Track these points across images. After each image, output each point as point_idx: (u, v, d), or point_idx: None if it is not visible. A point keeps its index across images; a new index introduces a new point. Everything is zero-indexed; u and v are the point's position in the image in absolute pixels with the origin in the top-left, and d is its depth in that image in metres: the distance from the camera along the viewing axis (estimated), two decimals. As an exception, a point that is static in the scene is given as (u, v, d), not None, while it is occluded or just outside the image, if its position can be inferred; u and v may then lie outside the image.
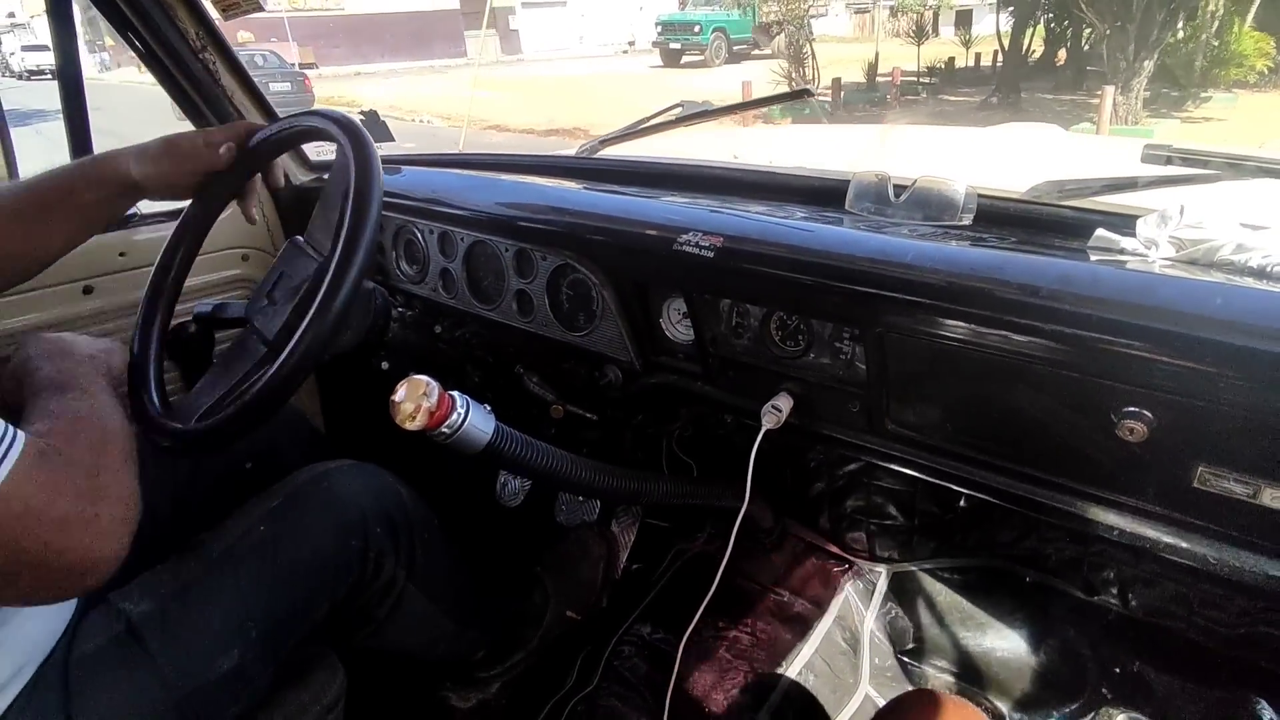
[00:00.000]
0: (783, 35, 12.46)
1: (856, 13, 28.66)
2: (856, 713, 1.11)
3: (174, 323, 1.07)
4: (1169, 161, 0.77)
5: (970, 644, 1.15)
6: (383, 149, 1.50)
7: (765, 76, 12.59)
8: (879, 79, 13.67)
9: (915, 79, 14.52)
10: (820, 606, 1.22)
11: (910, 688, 1.14)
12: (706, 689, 1.14)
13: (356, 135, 0.91)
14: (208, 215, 1.04)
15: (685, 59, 20.28)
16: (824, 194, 1.02)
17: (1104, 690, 1.06)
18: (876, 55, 14.11)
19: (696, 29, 19.56)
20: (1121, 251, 0.78)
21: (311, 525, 0.85)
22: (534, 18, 29.69)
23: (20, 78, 27.03)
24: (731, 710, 1.12)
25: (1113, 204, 0.86)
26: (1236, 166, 0.75)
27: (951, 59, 15.12)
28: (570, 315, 1.10)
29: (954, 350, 0.75)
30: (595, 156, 1.35)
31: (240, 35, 22.73)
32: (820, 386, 0.90)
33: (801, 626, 1.21)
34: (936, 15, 16.69)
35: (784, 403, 0.90)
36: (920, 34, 15.43)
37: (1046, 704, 1.08)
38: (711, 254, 0.85)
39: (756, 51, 20.15)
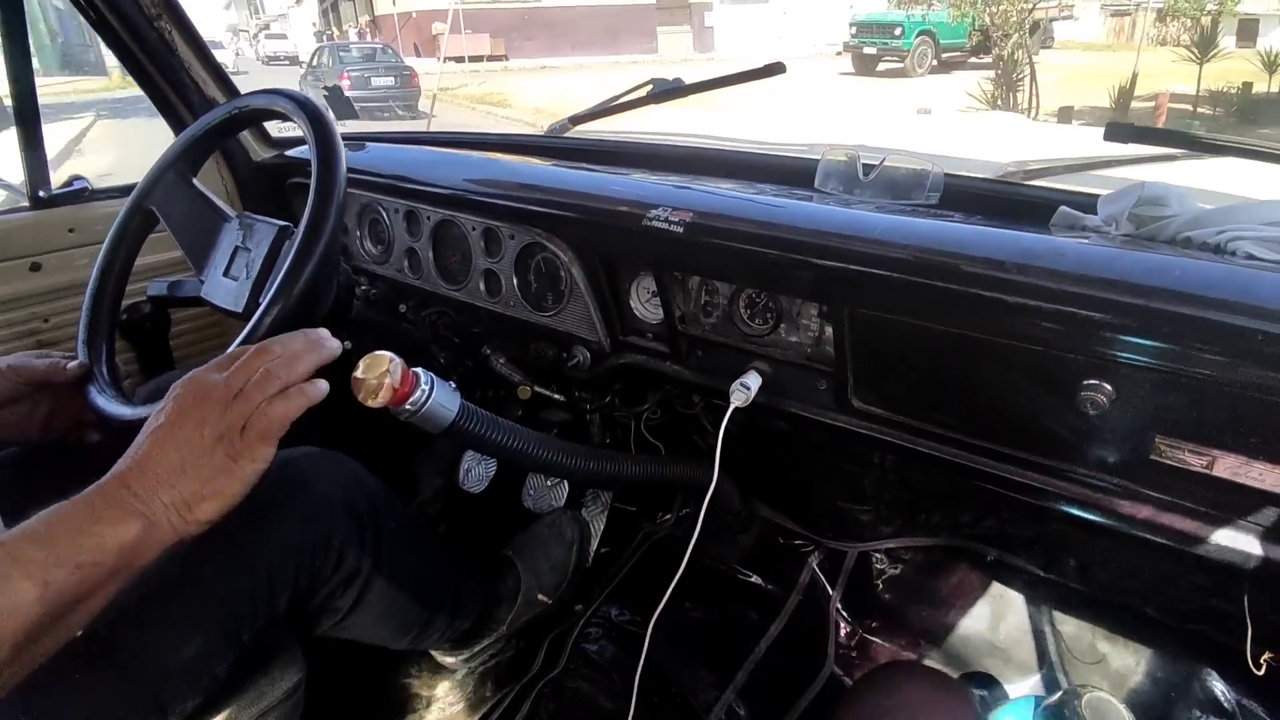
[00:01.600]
0: (1007, 43, 9.07)
1: (1113, 15, 22.44)
2: (823, 690, 1.12)
3: (126, 302, 1.04)
4: (1130, 140, 0.78)
5: (934, 622, 1.17)
6: (348, 125, 1.48)
7: (963, 95, 9.38)
8: (1134, 104, 9.33)
9: (1191, 109, 9.73)
10: (787, 586, 1.23)
11: (875, 664, 1.15)
12: (675, 670, 1.14)
13: (314, 113, 0.89)
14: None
15: (881, 66, 16.99)
16: (793, 173, 1.01)
17: (1063, 664, 1.09)
18: (1134, 75, 9.54)
19: (898, 31, 16.22)
20: (1084, 228, 0.79)
21: (273, 514, 0.83)
22: (732, 14, 27.57)
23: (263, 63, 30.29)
24: (699, 690, 1.12)
25: (1076, 183, 0.87)
26: (1195, 144, 0.76)
27: (1248, 84, 9.91)
28: (538, 295, 1.09)
29: (920, 325, 0.76)
30: (565, 135, 1.33)
31: (435, 27, 22.06)
32: (788, 364, 0.90)
33: (769, 606, 1.21)
34: (1215, 22, 11.45)
35: (752, 380, 0.90)
36: (1206, 46, 10.38)
37: (1007, 679, 1.10)
38: (680, 229, 0.84)
39: (974, 60, 16.35)
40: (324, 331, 0.70)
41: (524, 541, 1.31)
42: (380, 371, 0.72)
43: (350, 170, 1.24)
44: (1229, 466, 0.65)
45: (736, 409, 0.89)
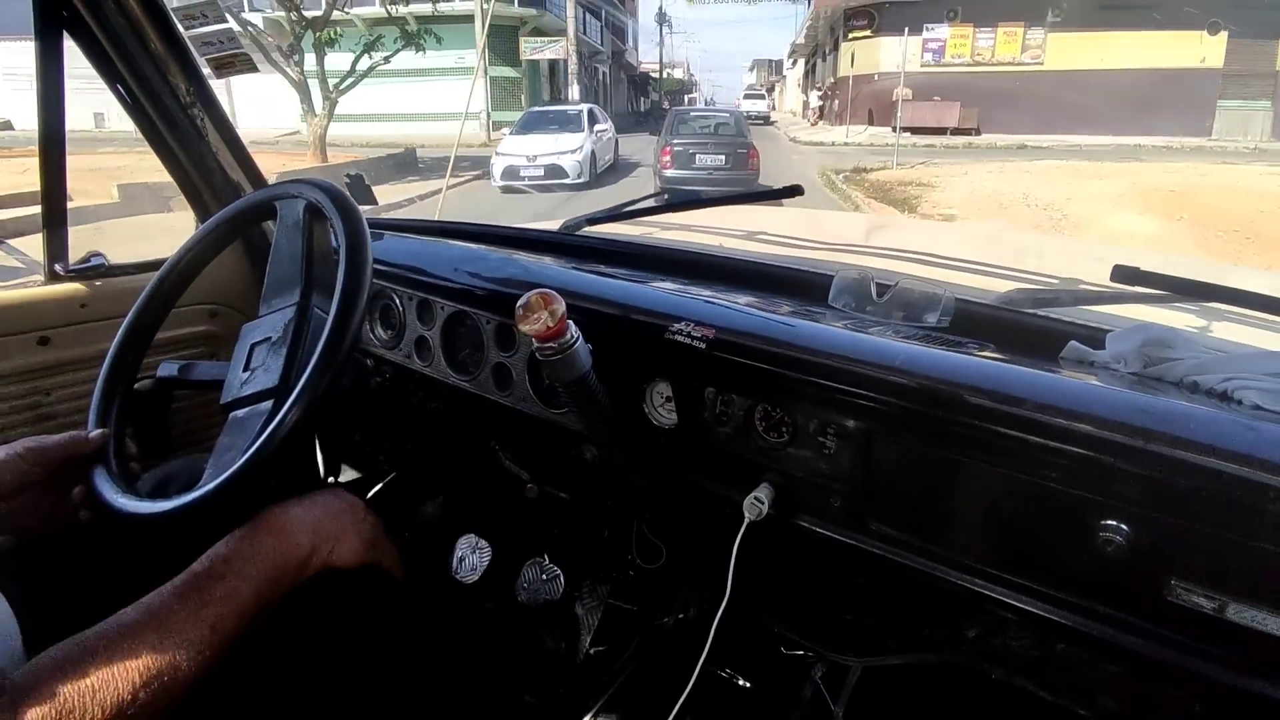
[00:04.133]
0: None
1: None
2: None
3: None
4: (1136, 281, 0.82)
5: (937, 743, 1.14)
6: (364, 212, 1.51)
7: None
8: None
9: None
10: (789, 701, 1.20)
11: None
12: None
13: (345, 207, 0.92)
14: (189, 270, 1.03)
15: None
16: (807, 287, 1.05)
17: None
18: None
19: None
20: (1092, 364, 0.82)
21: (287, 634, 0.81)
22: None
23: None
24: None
25: (1083, 315, 0.91)
26: (1200, 292, 0.79)
27: None
28: (550, 392, 1.10)
29: (938, 455, 0.77)
30: (578, 234, 1.37)
31: (898, 92, 17.21)
32: (803, 479, 0.91)
33: (768, 720, 1.18)
34: None
35: (765, 494, 0.90)
36: None
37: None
38: (704, 345, 0.86)
39: None
40: None
41: (509, 640, 1.28)
42: (546, 305, 0.78)
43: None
44: (1244, 613, 0.66)
45: (751, 523, 0.89)
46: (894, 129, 16.43)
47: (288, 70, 12.95)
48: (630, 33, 47.22)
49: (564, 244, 1.33)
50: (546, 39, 23.85)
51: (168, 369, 1.08)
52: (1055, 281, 1.09)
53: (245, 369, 0.91)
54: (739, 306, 0.94)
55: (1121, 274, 0.82)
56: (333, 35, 13.06)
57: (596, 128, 13.32)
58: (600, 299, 1.00)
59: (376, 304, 1.32)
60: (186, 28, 1.18)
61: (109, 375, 0.95)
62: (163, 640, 0.60)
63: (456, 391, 1.20)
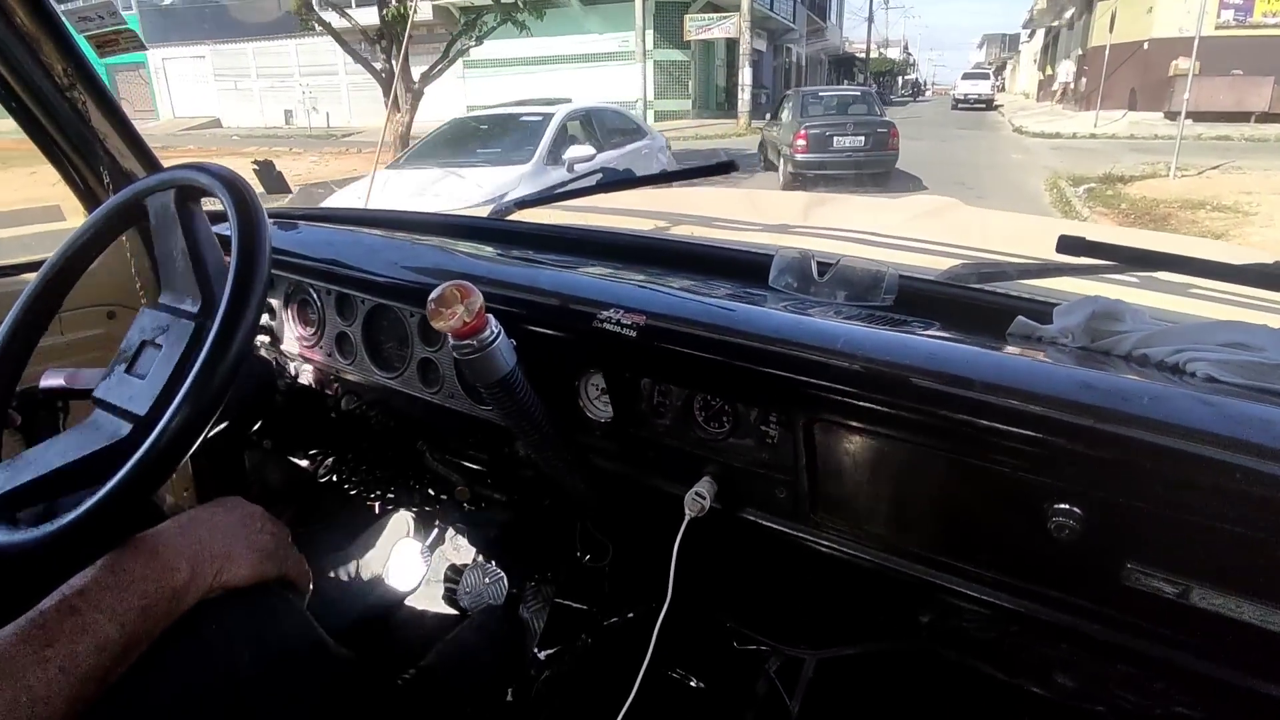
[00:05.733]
0: None
1: None
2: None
3: (20, 387, 0.94)
4: (1082, 252, 0.79)
5: (894, 732, 1.11)
6: (280, 202, 1.41)
7: None
8: None
9: None
10: (744, 698, 1.16)
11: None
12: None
13: (237, 188, 0.83)
14: (72, 269, 0.93)
15: None
16: (747, 268, 0.99)
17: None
18: None
19: None
20: (1039, 340, 0.79)
21: (173, 665, 0.73)
22: None
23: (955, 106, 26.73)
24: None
25: (1029, 289, 0.87)
26: (1146, 261, 0.76)
27: None
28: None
29: (882, 439, 0.73)
30: (508, 219, 1.29)
31: (1178, 65, 13.23)
32: (745, 471, 0.86)
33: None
34: None
35: (707, 488, 0.85)
36: None
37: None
38: (634, 333, 0.80)
39: None
40: None
41: (450, 648, 1.21)
42: (462, 299, 0.72)
43: (280, 251, 1.17)
44: (1205, 596, 0.63)
45: (693, 520, 0.84)
46: (1166, 114, 11.51)
47: (372, 63, 11.14)
48: (832, 8, 40.80)
49: (492, 230, 1.25)
50: (716, 15, 19.93)
51: (52, 378, 0.98)
52: (1001, 256, 1.06)
53: (129, 369, 0.82)
54: (673, 290, 0.88)
55: (1067, 245, 0.79)
56: (401, 11, 10.87)
57: (571, 154, 6.23)
58: (526, 287, 0.93)
59: (293, 299, 1.23)
60: (60, 1, 1.06)
61: None
62: None
63: (381, 390, 1.12)
